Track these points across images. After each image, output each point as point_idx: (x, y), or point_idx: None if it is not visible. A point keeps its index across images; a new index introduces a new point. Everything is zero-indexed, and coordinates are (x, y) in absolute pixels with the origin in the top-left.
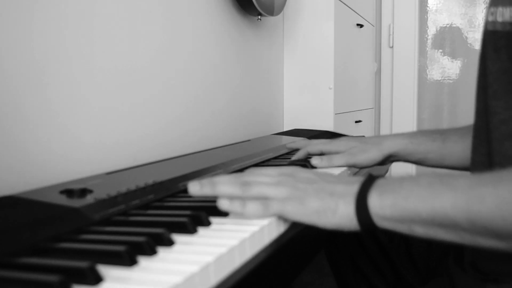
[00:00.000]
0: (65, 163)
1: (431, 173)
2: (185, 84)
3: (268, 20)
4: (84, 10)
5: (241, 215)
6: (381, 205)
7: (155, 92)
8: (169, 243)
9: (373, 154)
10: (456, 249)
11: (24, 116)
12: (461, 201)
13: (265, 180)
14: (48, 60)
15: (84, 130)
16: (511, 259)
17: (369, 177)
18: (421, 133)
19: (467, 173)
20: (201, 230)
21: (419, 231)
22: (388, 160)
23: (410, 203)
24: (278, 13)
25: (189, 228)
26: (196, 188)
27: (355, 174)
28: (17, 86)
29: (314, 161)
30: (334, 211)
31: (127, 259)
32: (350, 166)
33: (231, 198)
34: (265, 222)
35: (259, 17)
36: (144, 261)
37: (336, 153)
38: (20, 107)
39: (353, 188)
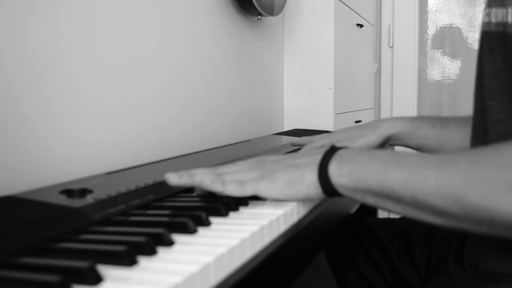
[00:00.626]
0: (65, 163)
1: (387, 150)
2: (185, 84)
3: (268, 20)
4: (83, 9)
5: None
6: (340, 173)
7: (155, 92)
8: (169, 243)
9: (371, 138)
10: (456, 249)
11: (24, 116)
12: (406, 179)
13: (237, 169)
14: (48, 60)
15: (84, 130)
16: (511, 259)
17: (331, 148)
18: (420, 117)
19: (421, 153)
20: (201, 230)
21: (370, 200)
22: (387, 142)
23: (363, 174)
24: (278, 13)
25: (189, 228)
26: (174, 178)
27: None
28: (17, 86)
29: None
30: (302, 180)
31: (127, 259)
32: None
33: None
34: (265, 222)
35: (259, 17)
36: (144, 261)
37: (338, 142)
38: (20, 107)
39: (316, 158)
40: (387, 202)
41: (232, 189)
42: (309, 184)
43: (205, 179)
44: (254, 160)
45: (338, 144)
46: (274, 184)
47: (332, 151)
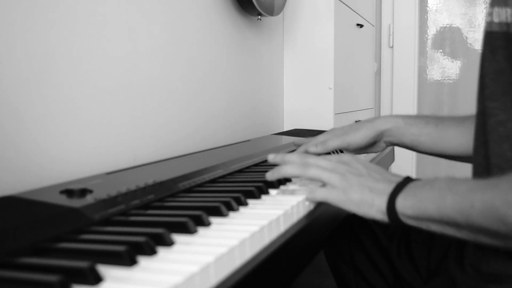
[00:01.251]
0: (65, 163)
1: (447, 177)
2: (185, 84)
3: (268, 20)
4: (83, 10)
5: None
6: (404, 206)
7: (155, 92)
8: (169, 243)
9: (364, 131)
10: (456, 249)
11: (24, 116)
12: (458, 205)
13: (323, 165)
14: (48, 61)
15: (84, 130)
16: (511, 260)
17: (404, 180)
18: (416, 115)
19: (473, 179)
20: (201, 230)
21: (435, 228)
22: (381, 138)
23: (424, 205)
24: (278, 13)
25: (189, 228)
26: (272, 156)
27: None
28: (17, 86)
29: (311, 148)
30: (371, 205)
31: (127, 259)
32: (344, 147)
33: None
34: (265, 222)
35: (259, 17)
36: (144, 261)
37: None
38: (20, 107)
39: (390, 187)
40: (448, 228)
41: (303, 191)
42: (377, 210)
43: (288, 172)
44: (344, 159)
45: (336, 141)
46: (344, 199)
47: (404, 183)
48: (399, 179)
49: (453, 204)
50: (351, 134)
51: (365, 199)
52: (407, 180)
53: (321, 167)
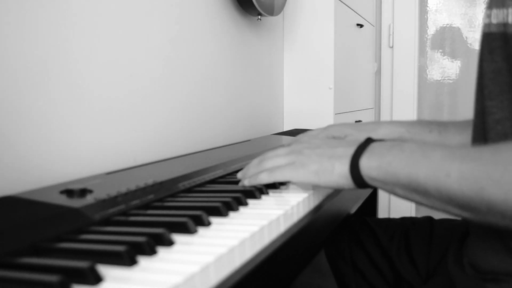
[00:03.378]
0: (65, 163)
1: (418, 141)
2: (185, 84)
3: (268, 20)
4: (83, 9)
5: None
6: (369, 167)
7: (155, 92)
8: (169, 243)
9: None
10: (455, 249)
11: (24, 116)
12: (432, 172)
13: (279, 152)
14: (48, 60)
15: (84, 130)
16: (510, 259)
17: (366, 141)
18: (418, 122)
19: (448, 147)
20: (201, 230)
21: (400, 193)
22: None
23: (392, 167)
24: (278, 13)
25: (189, 228)
26: (240, 183)
27: None
28: (17, 86)
29: None
30: (331, 171)
31: (127, 259)
32: None
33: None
34: (265, 222)
35: (259, 17)
36: (144, 261)
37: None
38: (20, 107)
39: (350, 150)
40: (415, 195)
41: (261, 178)
42: (340, 175)
43: (244, 182)
44: (298, 142)
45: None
46: (302, 171)
47: (365, 144)
48: (359, 142)
49: (426, 171)
50: None
51: (324, 166)
52: (369, 140)
53: (277, 155)
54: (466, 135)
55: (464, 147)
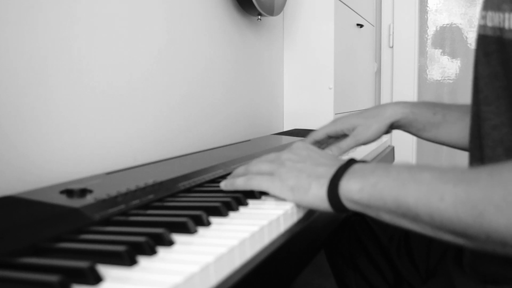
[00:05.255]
0: (65, 163)
1: (404, 163)
2: (185, 84)
3: (268, 20)
4: (84, 10)
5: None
6: (349, 189)
7: (155, 92)
8: (169, 243)
9: (376, 128)
10: (455, 250)
11: (24, 116)
12: (423, 196)
13: (264, 159)
14: (48, 60)
15: (84, 130)
16: (510, 259)
17: (348, 162)
18: (424, 103)
19: (437, 168)
20: (201, 230)
21: (386, 217)
22: (391, 128)
23: (377, 190)
24: (278, 13)
25: (189, 228)
26: (223, 184)
27: None
28: (17, 86)
29: (328, 152)
30: (306, 190)
31: (127, 259)
32: (359, 146)
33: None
34: (265, 222)
35: (259, 17)
36: (144, 261)
37: (342, 134)
38: (20, 107)
39: (331, 170)
40: (403, 220)
41: (237, 184)
42: (314, 195)
43: (223, 184)
44: (287, 151)
45: (349, 142)
46: (279, 185)
47: (347, 165)
48: (341, 162)
49: (416, 194)
50: (363, 134)
51: (301, 184)
52: (351, 162)
53: (261, 161)
54: (467, 122)
55: (455, 168)
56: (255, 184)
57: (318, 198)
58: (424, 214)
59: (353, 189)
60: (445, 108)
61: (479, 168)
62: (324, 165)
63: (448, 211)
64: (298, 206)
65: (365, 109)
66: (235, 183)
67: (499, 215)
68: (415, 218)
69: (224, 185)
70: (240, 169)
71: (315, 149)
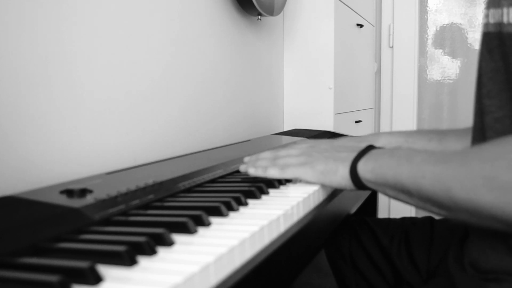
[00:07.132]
0: (65, 163)
1: (408, 148)
2: (185, 84)
3: (268, 20)
4: (84, 10)
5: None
6: (365, 170)
7: (155, 92)
8: (169, 243)
9: None
10: (456, 249)
11: (24, 116)
12: (411, 174)
13: (291, 152)
14: (48, 60)
15: (84, 130)
16: (511, 258)
17: (366, 147)
18: (418, 132)
19: (428, 151)
20: (201, 230)
21: (390, 193)
22: None
23: (382, 170)
24: (278, 13)
25: (189, 228)
26: (244, 167)
27: None
28: (17, 86)
29: None
30: (335, 172)
31: (127, 259)
32: None
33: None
34: (265, 222)
35: (259, 17)
36: (144, 261)
37: None
38: (20, 107)
39: (352, 154)
40: (401, 195)
41: (272, 173)
42: (342, 176)
43: (250, 169)
44: (308, 145)
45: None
46: (311, 171)
47: (366, 150)
48: (361, 148)
49: (407, 173)
50: None
51: (330, 167)
52: (369, 148)
53: (289, 155)
54: (466, 143)
55: (443, 152)
56: (289, 173)
57: (344, 178)
58: (413, 189)
59: (367, 170)
60: (440, 134)
61: (457, 151)
62: (346, 151)
63: (428, 187)
64: (327, 187)
65: (359, 136)
66: (268, 172)
67: (461, 190)
68: (408, 193)
69: (254, 171)
70: (263, 159)
71: (331, 142)
